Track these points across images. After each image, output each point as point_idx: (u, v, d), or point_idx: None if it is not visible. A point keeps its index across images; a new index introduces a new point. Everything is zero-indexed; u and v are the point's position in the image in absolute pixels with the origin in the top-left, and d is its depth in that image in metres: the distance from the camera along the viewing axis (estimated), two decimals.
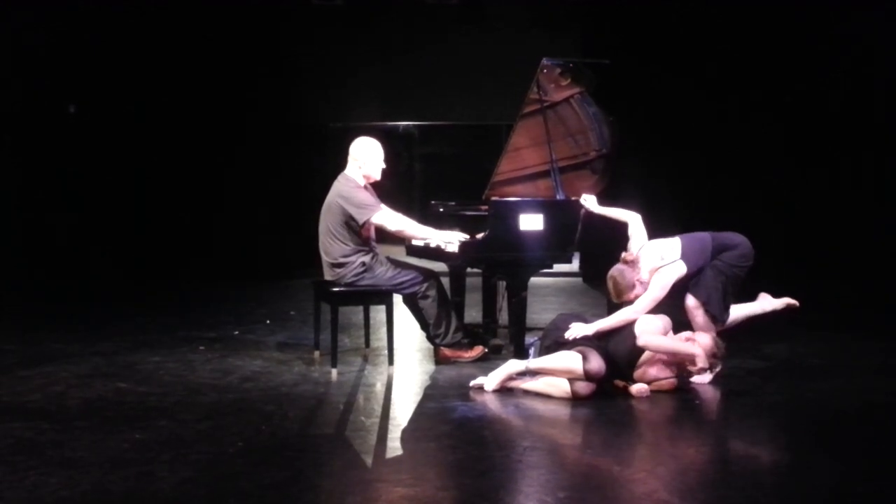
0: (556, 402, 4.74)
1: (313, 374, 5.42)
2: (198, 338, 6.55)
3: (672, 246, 5.23)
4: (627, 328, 4.94)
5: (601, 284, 5.33)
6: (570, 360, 4.77)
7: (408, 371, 5.59)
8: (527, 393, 4.90)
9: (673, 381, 4.97)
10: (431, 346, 5.83)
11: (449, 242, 5.68)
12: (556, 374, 4.81)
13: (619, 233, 5.49)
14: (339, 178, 5.61)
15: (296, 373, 5.46)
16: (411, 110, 11.44)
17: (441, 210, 6.36)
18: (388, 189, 6.06)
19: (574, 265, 6.09)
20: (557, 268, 6.01)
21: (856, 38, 9.36)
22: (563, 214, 5.72)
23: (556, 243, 5.67)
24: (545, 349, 5.01)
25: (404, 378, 5.40)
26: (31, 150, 9.84)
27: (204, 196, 10.65)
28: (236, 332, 6.84)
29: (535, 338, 5.34)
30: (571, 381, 4.75)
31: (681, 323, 5.17)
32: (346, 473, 3.66)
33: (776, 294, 5.61)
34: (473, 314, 6.81)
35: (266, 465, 3.70)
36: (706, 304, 5.24)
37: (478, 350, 5.76)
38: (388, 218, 5.51)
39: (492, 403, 4.78)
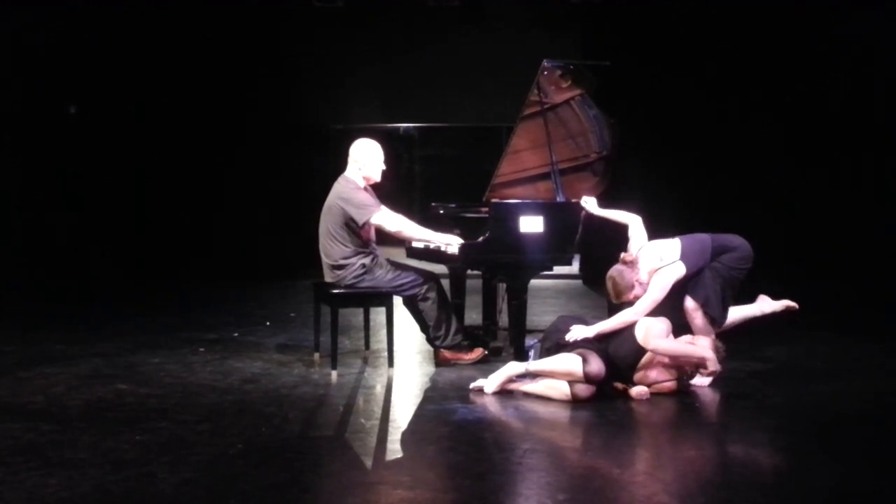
0: (556, 405, 4.74)
1: (313, 376, 5.42)
2: (198, 339, 6.55)
3: (671, 247, 5.23)
4: (628, 330, 4.93)
5: (601, 286, 5.32)
6: (570, 362, 4.77)
7: (408, 373, 5.58)
8: (527, 395, 4.89)
9: (673, 383, 4.97)
10: (431, 349, 5.82)
11: (449, 244, 5.68)
12: (557, 376, 4.80)
13: (619, 235, 5.48)
14: (339, 179, 5.61)
15: (296, 374, 5.45)
16: (411, 112, 11.43)
17: (441, 212, 6.35)
18: (389, 191, 6.06)
19: (574, 267, 6.07)
20: (558, 270, 5.99)
21: (856, 38, 9.36)
22: (563, 216, 5.71)
23: (556, 245, 5.66)
24: (545, 351, 5.01)
25: (404, 380, 5.40)
26: (32, 151, 9.85)
27: (204, 196, 10.67)
28: (236, 334, 6.84)
29: (536, 340, 5.33)
30: (571, 383, 4.75)
31: (680, 325, 5.16)
32: (346, 475, 3.66)
33: (776, 295, 5.60)
34: (473, 316, 6.81)
35: (266, 467, 3.70)
36: (705, 306, 5.23)
37: (478, 352, 5.75)
38: (388, 218, 5.50)
39: (492, 406, 4.77)
